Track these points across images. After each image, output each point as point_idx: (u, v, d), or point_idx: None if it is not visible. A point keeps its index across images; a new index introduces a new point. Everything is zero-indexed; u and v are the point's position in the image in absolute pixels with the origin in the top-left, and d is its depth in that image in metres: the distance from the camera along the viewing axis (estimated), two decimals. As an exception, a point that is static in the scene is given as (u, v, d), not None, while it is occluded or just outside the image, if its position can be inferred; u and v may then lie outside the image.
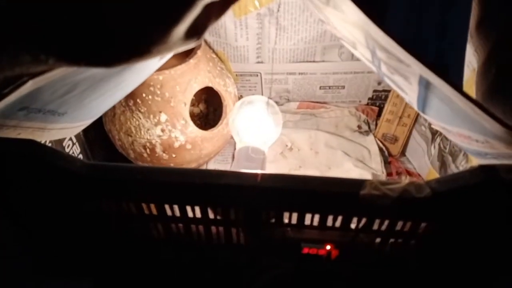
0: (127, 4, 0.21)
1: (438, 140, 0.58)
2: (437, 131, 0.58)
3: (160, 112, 0.57)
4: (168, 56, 0.42)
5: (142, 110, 0.57)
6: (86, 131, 0.59)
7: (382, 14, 0.34)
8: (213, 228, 0.37)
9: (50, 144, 0.48)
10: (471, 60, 0.42)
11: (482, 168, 0.28)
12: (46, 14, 0.20)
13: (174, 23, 0.23)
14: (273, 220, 0.35)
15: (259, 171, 0.31)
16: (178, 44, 0.26)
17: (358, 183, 0.30)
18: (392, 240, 0.36)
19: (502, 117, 0.35)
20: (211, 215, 0.35)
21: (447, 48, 0.32)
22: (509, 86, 0.36)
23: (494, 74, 0.37)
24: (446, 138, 0.52)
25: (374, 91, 0.75)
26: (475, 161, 0.40)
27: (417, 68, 0.27)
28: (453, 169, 0.53)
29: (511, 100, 0.36)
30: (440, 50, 0.33)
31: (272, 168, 0.67)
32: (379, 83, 0.74)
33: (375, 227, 0.34)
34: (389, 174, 0.67)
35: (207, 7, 0.24)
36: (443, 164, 0.55)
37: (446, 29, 0.32)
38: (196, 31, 0.26)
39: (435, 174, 0.59)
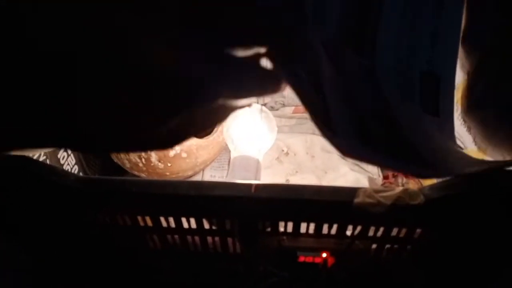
0: (104, 118, 0.19)
1: (432, 142, 0.58)
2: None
3: (155, 121, 0.56)
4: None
5: (136, 120, 0.56)
6: (81, 141, 0.59)
7: (375, 24, 0.34)
8: (209, 238, 0.37)
9: (44, 157, 0.48)
10: (464, 63, 0.42)
11: (474, 175, 0.28)
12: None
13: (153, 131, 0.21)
14: (268, 229, 0.35)
15: (253, 181, 0.31)
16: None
17: (351, 192, 0.30)
18: (388, 246, 0.36)
19: (494, 124, 0.36)
20: (206, 226, 0.36)
21: (439, 56, 0.32)
22: (497, 98, 0.37)
23: (481, 89, 0.38)
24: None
25: (369, 94, 0.75)
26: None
27: None
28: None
29: (500, 109, 0.36)
30: (433, 59, 0.33)
31: (268, 173, 0.67)
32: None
33: (371, 233, 0.34)
34: (385, 177, 0.67)
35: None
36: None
37: (438, 37, 0.33)
38: (179, 138, 0.23)
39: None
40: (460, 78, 0.42)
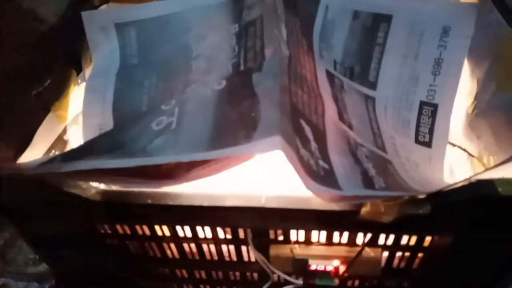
0: None
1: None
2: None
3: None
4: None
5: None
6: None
7: (380, 53, 0.35)
8: (224, 247, 0.39)
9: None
10: (474, 70, 0.43)
11: (479, 182, 0.29)
12: None
13: None
14: (281, 238, 0.36)
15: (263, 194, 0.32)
16: None
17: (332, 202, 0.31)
18: (399, 254, 0.37)
19: (503, 128, 0.36)
20: (221, 235, 0.37)
21: (440, 85, 0.33)
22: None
23: (490, 95, 0.38)
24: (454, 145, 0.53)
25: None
26: (478, 169, 0.41)
27: None
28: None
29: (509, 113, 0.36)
30: (433, 87, 0.34)
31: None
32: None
33: (381, 242, 0.35)
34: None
35: None
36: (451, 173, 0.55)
37: (442, 64, 0.33)
38: None
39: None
40: (469, 86, 0.42)
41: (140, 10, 0.51)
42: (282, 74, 0.34)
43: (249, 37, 0.42)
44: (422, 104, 0.37)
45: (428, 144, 0.38)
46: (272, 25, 0.40)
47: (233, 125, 0.30)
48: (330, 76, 0.40)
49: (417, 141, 0.38)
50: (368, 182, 0.33)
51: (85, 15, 0.49)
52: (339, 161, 0.34)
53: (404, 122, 0.39)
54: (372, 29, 0.40)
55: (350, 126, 0.38)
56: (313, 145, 0.33)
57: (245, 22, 0.45)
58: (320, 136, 0.35)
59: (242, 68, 0.39)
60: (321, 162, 0.32)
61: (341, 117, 0.38)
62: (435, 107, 0.37)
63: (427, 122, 0.38)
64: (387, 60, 0.39)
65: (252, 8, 0.45)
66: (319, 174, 0.30)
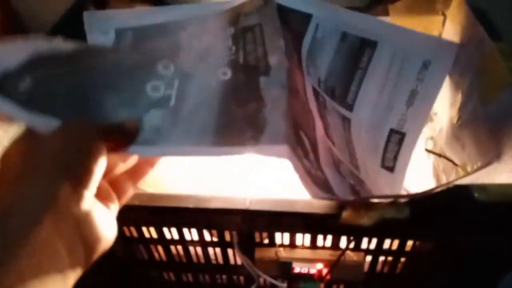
0: None
1: (432, 157, 0.58)
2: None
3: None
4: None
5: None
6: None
7: (361, 78, 0.37)
8: (211, 250, 0.39)
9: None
10: (459, 83, 0.44)
11: (456, 187, 0.30)
12: None
13: None
14: (266, 241, 0.37)
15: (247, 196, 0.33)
16: None
17: (340, 205, 0.32)
18: (382, 258, 0.38)
19: (485, 138, 0.37)
20: (208, 237, 0.38)
21: (411, 116, 0.35)
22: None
23: (473, 105, 0.39)
24: (440, 155, 0.53)
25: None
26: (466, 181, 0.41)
27: None
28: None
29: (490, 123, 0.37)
30: (404, 117, 0.35)
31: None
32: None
33: (364, 246, 0.36)
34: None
35: None
36: (438, 182, 0.56)
37: (416, 96, 0.35)
38: None
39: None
40: (454, 98, 0.44)
41: (139, 17, 0.52)
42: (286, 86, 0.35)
43: (248, 41, 0.43)
44: (392, 131, 0.38)
45: (391, 169, 0.39)
46: (274, 35, 0.41)
47: (238, 122, 0.31)
48: (315, 92, 0.41)
49: (382, 165, 0.39)
50: (355, 194, 0.34)
51: (86, 15, 0.50)
52: (330, 173, 0.35)
53: (375, 147, 0.39)
54: (358, 53, 0.41)
55: (333, 143, 0.39)
56: (311, 156, 0.34)
57: (242, 26, 0.45)
58: (314, 149, 0.36)
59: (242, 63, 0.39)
60: (319, 173, 0.33)
61: (327, 133, 0.39)
62: (403, 135, 0.38)
63: (393, 148, 0.38)
64: (367, 85, 0.39)
65: (249, 15, 0.46)
66: (320, 182, 0.31)
